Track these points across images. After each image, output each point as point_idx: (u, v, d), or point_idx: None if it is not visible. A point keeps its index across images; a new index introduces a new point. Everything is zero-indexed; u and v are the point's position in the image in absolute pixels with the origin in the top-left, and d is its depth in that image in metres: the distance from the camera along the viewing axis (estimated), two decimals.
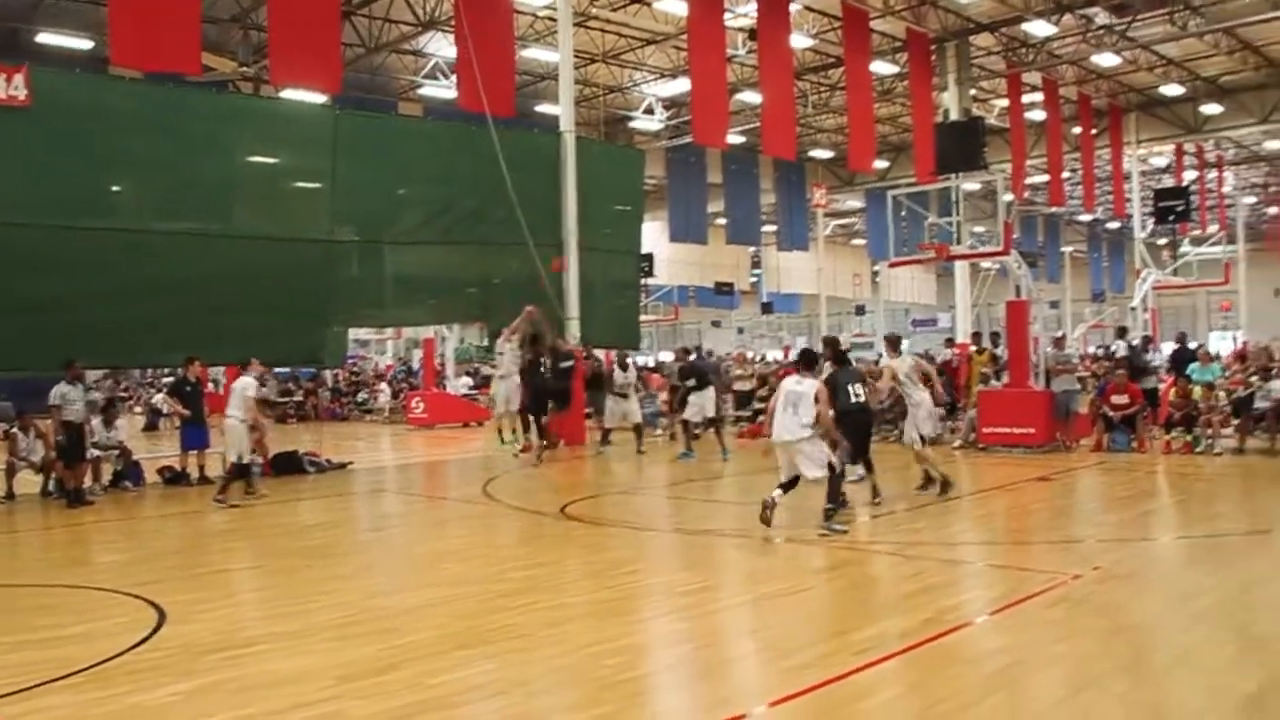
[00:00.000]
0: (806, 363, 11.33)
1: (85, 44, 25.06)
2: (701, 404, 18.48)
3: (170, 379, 21.55)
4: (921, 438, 12.90)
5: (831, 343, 12.67)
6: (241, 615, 7.86)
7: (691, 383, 18.73)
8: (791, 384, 10.75)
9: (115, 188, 17.07)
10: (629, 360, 20.57)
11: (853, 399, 11.50)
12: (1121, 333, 25.50)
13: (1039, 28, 28.78)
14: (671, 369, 19.16)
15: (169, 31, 16.17)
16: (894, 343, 14.16)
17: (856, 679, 5.98)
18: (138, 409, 36.30)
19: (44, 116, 15.38)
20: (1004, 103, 34.00)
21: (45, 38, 25.11)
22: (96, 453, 15.79)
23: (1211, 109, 37.17)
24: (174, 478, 16.73)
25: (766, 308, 55.03)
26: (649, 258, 34.77)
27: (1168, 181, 42.75)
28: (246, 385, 14.29)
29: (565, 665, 6.47)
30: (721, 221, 40.51)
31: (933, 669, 6.28)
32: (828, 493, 10.52)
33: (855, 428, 11.67)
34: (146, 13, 15.90)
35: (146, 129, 16.76)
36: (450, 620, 7.54)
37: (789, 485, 10.59)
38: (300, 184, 19.26)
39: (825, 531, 10.30)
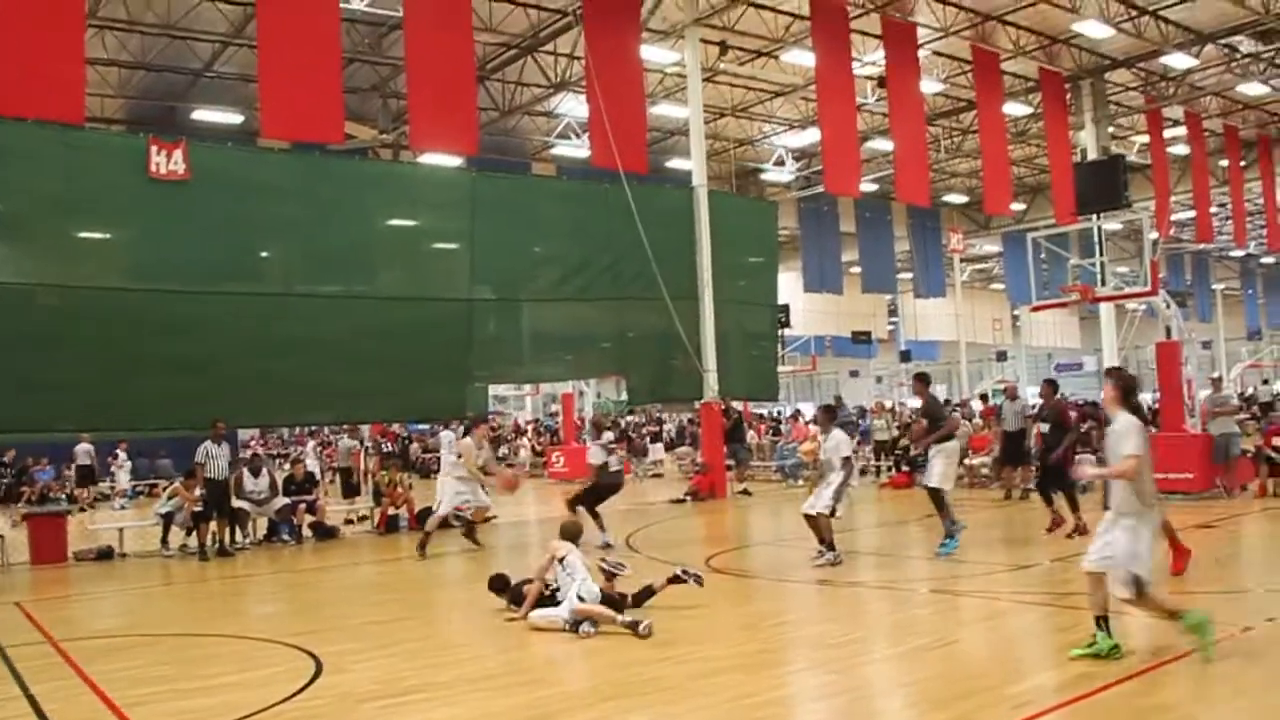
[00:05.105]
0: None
1: (236, 118, 26.41)
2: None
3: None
4: None
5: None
6: (396, 665, 7.96)
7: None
8: None
9: (264, 253, 17.82)
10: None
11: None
12: None
13: (1179, 60, 27.92)
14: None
15: (314, 103, 16.82)
16: None
17: None
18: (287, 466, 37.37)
19: (201, 188, 16.19)
20: (1144, 138, 33.00)
21: (200, 114, 26.47)
22: (244, 505, 16.36)
23: None
24: (325, 532, 17.23)
25: (905, 356, 54.14)
26: (785, 308, 34.57)
27: None
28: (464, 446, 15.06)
29: (716, 717, 6.40)
30: (856, 270, 40.17)
31: None
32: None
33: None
34: (293, 87, 16.58)
35: (294, 197, 17.52)
36: (598, 671, 7.54)
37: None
38: (440, 245, 19.84)
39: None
